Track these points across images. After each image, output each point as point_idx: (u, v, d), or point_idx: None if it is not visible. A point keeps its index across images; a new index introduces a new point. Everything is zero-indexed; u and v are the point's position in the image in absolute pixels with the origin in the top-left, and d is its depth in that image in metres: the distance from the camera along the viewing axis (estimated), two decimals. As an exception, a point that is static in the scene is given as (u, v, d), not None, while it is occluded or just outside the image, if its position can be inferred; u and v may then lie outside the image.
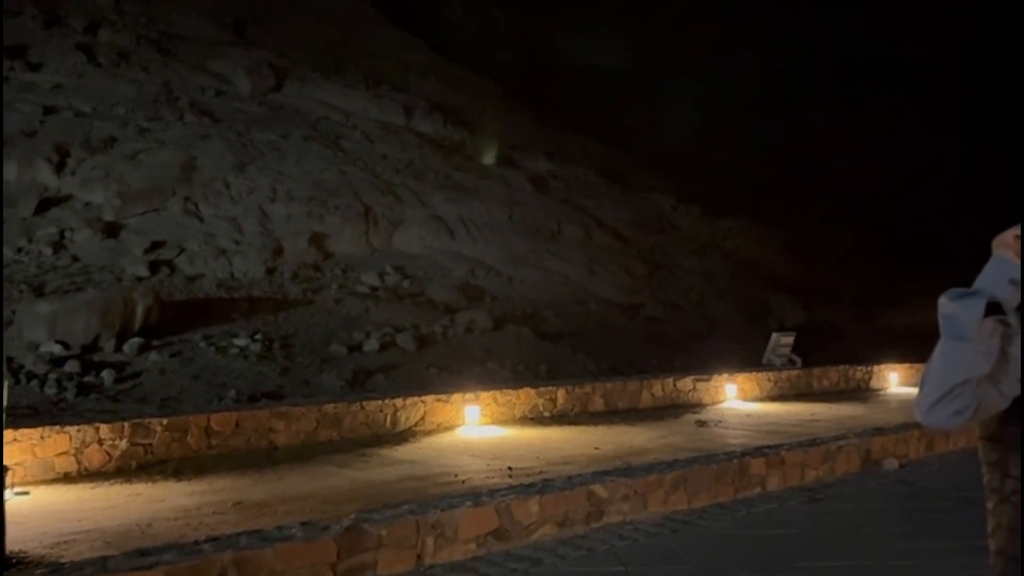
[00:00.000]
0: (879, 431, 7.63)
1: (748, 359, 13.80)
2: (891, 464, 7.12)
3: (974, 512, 5.18)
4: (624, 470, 5.78)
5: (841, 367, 13.58)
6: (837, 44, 37.66)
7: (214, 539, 4.00)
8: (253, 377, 9.98)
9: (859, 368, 13.75)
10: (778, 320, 18.19)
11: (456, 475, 6.56)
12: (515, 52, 31.73)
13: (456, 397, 8.95)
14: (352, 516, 4.36)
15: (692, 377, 11.30)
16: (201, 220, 14.81)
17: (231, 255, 14.04)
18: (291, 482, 6.39)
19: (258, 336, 11.08)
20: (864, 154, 32.35)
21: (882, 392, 13.26)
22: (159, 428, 7.14)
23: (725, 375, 11.65)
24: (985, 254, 1.51)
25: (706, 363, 12.92)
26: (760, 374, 12.23)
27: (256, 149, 17.19)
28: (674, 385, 11.01)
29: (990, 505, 1.47)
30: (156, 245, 13.62)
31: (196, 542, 3.96)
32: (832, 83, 35.89)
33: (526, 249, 17.73)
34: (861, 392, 13.05)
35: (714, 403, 11.14)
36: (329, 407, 8.25)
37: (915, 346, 16.34)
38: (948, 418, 1.37)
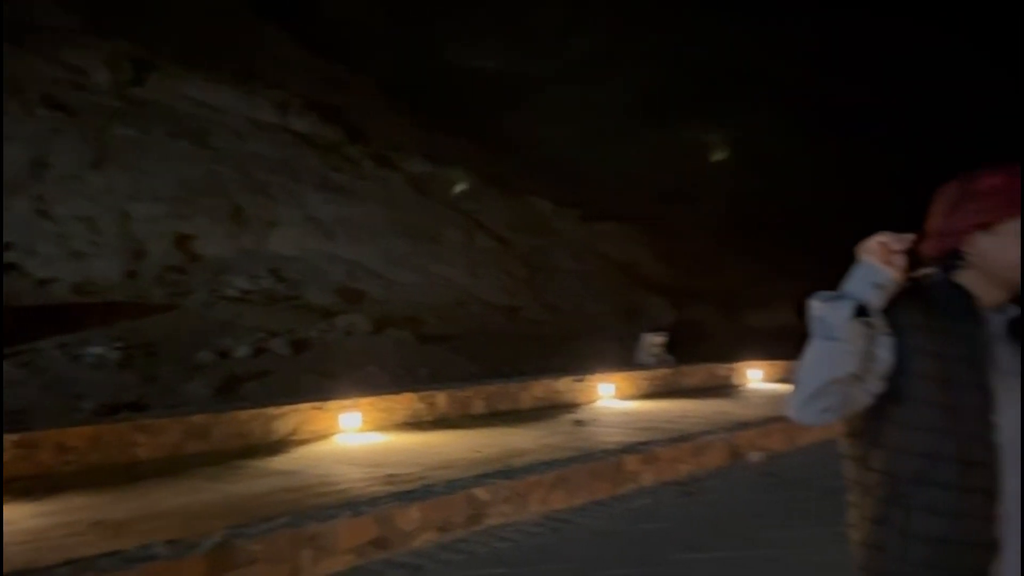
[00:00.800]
0: (744, 425, 8.03)
1: (624, 358, 14.22)
2: (756, 456, 7.50)
3: (834, 500, 5.52)
4: (505, 472, 5.81)
5: (709, 365, 14.21)
6: (708, 54, 39.44)
7: (70, 562, 3.71)
8: (112, 387, 9.36)
9: (725, 366, 14.43)
10: (651, 320, 18.86)
11: (334, 485, 6.39)
12: (396, 52, 31.40)
13: (333, 404, 8.72)
14: (223, 531, 4.15)
15: (571, 377, 11.52)
16: (53, 220, 13.78)
17: (88, 257, 13.15)
18: (156, 499, 6.03)
19: (118, 344, 10.41)
20: (731, 160, 34.12)
21: (746, 388, 13.98)
22: (6, 444, 6.57)
23: (601, 375, 11.94)
24: (844, 256, 1.60)
25: (584, 363, 13.21)
26: (634, 373, 12.62)
27: (115, 145, 16.18)
28: (553, 386, 11.18)
29: (853, 497, 1.55)
30: (3, 247, 12.56)
31: (50, 567, 3.66)
32: (703, 93, 37.58)
33: (406, 251, 17.57)
34: (727, 388, 13.70)
35: (592, 402, 11.40)
36: (197, 418, 7.85)
37: (777, 344, 17.36)
38: (818, 414, 1.43)
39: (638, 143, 33.13)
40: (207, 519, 5.34)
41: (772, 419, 8.30)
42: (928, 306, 1.49)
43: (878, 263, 1.42)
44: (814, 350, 1.41)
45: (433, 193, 21.17)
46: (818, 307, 1.41)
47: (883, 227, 1.50)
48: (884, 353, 1.44)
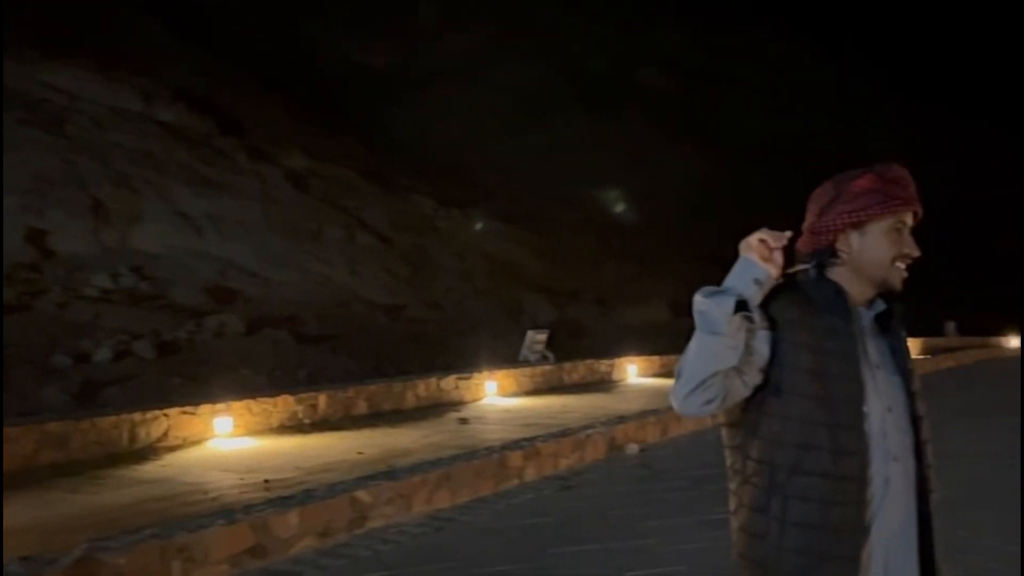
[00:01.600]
0: (622, 419, 8.28)
1: (507, 356, 14.35)
2: (632, 449, 7.75)
3: (703, 490, 5.76)
4: (388, 473, 5.74)
5: (588, 361, 14.57)
6: (586, 57, 40.32)
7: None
8: (-45, 396, 8.58)
9: (603, 362, 14.84)
10: (532, 318, 19.13)
11: (206, 493, 6.12)
12: (275, 43, 30.36)
13: (204, 408, 8.34)
14: (84, 545, 3.88)
15: (454, 376, 11.52)
16: None
17: (-75, 254, 12.01)
18: (8, 513, 5.57)
19: (-39, 348, 9.56)
20: (609, 162, 35.05)
21: (623, 383, 14.42)
22: None
23: (485, 372, 12.01)
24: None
25: (468, 361, 13.24)
26: (517, 370, 12.76)
27: (-42, 131, 14.86)
28: (437, 384, 11.15)
29: (733, 486, 1.60)
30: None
31: None
32: (582, 94, 38.41)
33: (284, 249, 17.04)
34: (606, 383, 14.09)
35: (476, 400, 11.44)
36: (52, 425, 7.32)
37: (652, 339, 18.01)
38: (700, 407, 1.46)
39: (520, 143, 33.52)
40: (67, 533, 4.99)
41: (648, 412, 8.60)
42: (803, 301, 1.55)
43: (758, 260, 1.46)
44: (697, 344, 1.44)
45: (312, 189, 20.63)
46: (701, 302, 1.43)
47: (756, 228, 1.56)
48: (762, 347, 1.48)
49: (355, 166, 23.61)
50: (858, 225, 1.56)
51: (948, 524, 5.07)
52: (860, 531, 1.45)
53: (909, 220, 1.57)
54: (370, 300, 17.15)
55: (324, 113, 27.39)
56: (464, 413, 10.10)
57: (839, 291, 1.55)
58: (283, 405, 9.09)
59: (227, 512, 4.66)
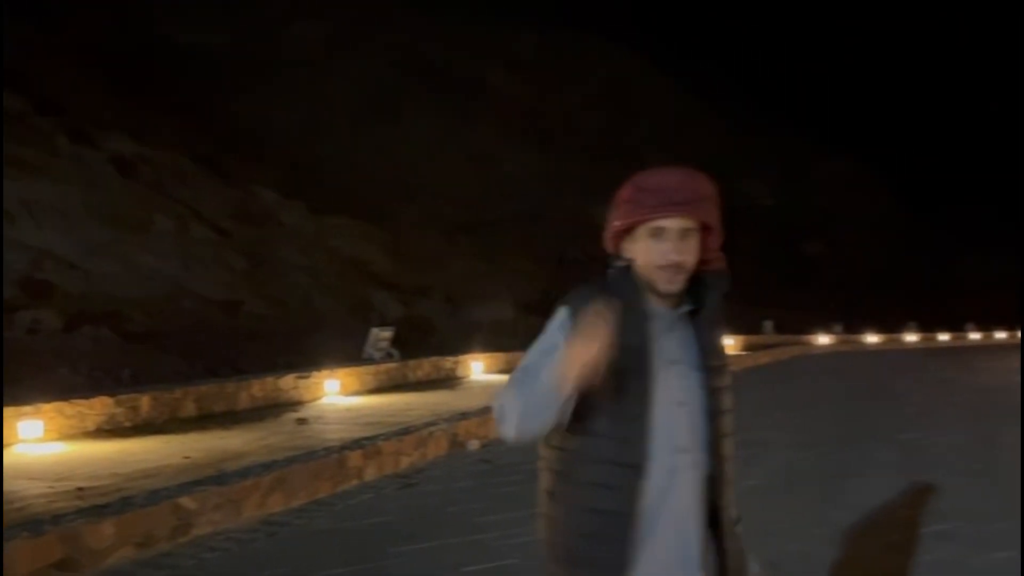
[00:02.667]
0: (464, 415, 8.34)
1: (352, 354, 14.07)
2: (474, 445, 7.83)
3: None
4: (216, 477, 5.47)
5: (433, 358, 14.55)
6: (434, 55, 40.24)
7: None
8: None
9: (449, 359, 14.88)
10: (379, 315, 18.88)
11: (10, 503, 5.57)
12: (100, 17, 28.08)
13: (9, 411, 7.59)
14: None
15: (293, 375, 11.15)
16: None
17: None
18: None
19: None
20: (457, 161, 35.18)
21: (468, 380, 14.53)
22: None
23: (326, 371, 11.71)
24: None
25: (312, 360, 12.86)
26: (360, 368, 12.54)
27: None
28: (275, 384, 10.75)
29: (540, 474, 1.67)
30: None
31: None
32: (432, 91, 38.29)
33: (108, 239, 15.83)
34: (450, 380, 14.13)
35: (316, 400, 11.14)
36: None
37: (498, 337, 18.27)
38: (535, 431, 1.55)
39: (369, 137, 32.95)
40: None
41: (489, 408, 8.70)
42: (609, 298, 1.60)
43: (564, 379, 1.46)
44: (532, 400, 1.50)
45: (141, 176, 19.30)
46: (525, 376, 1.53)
47: (598, 231, 1.63)
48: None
49: (191, 153, 22.30)
50: (626, 232, 1.64)
51: (762, 508, 5.46)
52: (634, 516, 1.53)
53: (672, 224, 1.58)
54: (204, 296, 16.27)
55: (157, 96, 25.66)
56: (303, 413, 9.81)
57: (638, 289, 1.62)
58: (100, 407, 8.42)
59: (33, 523, 4.28)
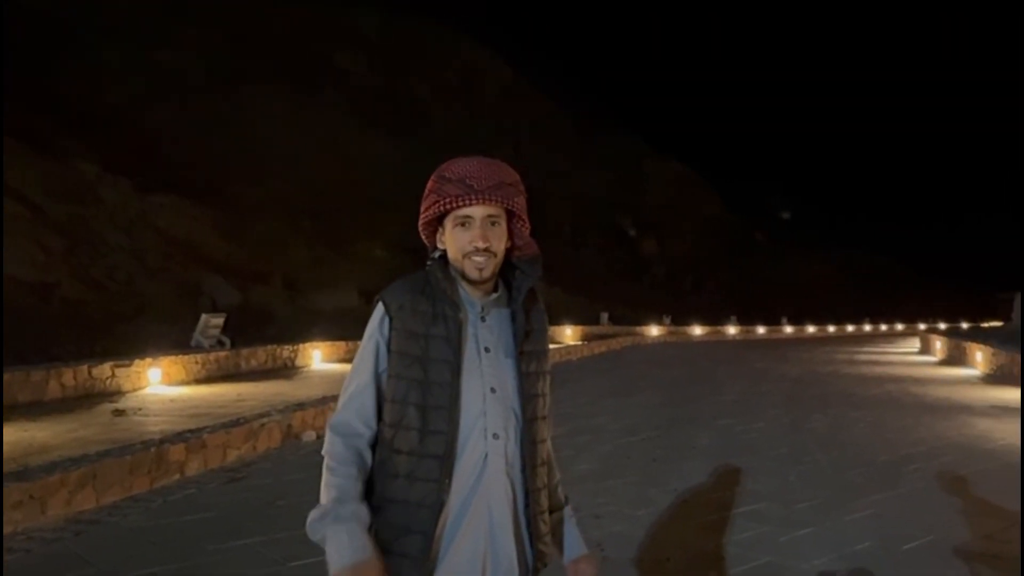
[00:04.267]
0: (300, 406, 8.08)
1: (179, 341, 13.27)
2: (309, 436, 7.60)
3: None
4: (18, 473, 4.98)
5: (269, 347, 14.01)
6: (272, 31, 38.62)
7: None
8: None
9: (286, 347, 14.38)
10: (211, 301, 17.92)
11: None
12: None
13: None
14: None
15: (111, 363, 10.37)
16: None
17: None
18: None
19: None
20: (303, 143, 33.95)
21: (307, 369, 14.11)
22: None
23: (148, 359, 10.98)
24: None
25: (134, 347, 12.00)
26: (187, 357, 11.86)
27: None
28: (89, 372, 9.94)
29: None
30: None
31: None
32: (275, 68, 36.73)
33: None
34: (288, 370, 13.67)
35: (137, 390, 10.42)
36: None
37: (341, 324, 17.84)
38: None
39: (204, 113, 31.14)
40: None
41: (328, 398, 8.49)
42: (423, 289, 1.63)
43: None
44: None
45: (-65, 141, 17.20)
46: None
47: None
48: (385, 355, 1.62)
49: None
50: (436, 222, 1.66)
51: (593, 492, 5.67)
52: (437, 507, 1.52)
53: (476, 212, 1.59)
54: (13, 276, 14.75)
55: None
56: (121, 404, 9.14)
57: (451, 279, 1.63)
58: None
59: None
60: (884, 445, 7.84)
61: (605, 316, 31.30)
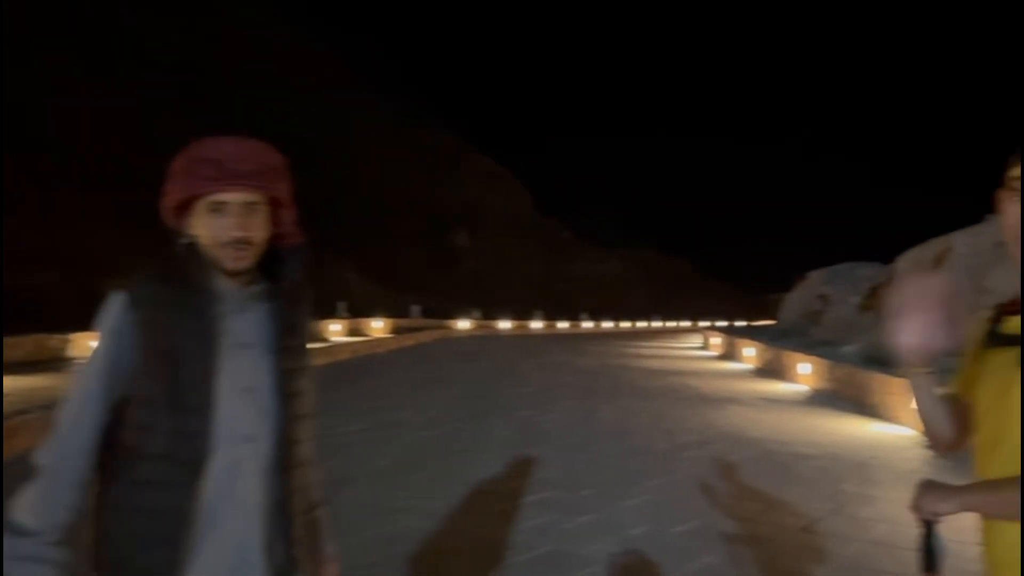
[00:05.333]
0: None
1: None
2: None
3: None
4: None
5: (38, 336, 12.68)
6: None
7: None
8: None
9: (59, 336, 13.09)
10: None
11: None
12: None
13: None
14: None
15: None
16: None
17: None
18: None
19: None
20: (95, 112, 30.83)
21: (81, 361, 12.90)
22: None
23: None
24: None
25: None
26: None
27: None
28: None
29: (93, 509, 1.49)
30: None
31: None
32: (61, 29, 33.15)
33: None
34: (60, 362, 12.43)
35: None
36: None
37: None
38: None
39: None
40: None
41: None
42: (173, 278, 1.48)
43: None
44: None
45: None
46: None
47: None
48: (127, 353, 1.44)
49: None
50: (185, 207, 1.50)
51: (391, 487, 5.60)
52: (190, 514, 1.42)
53: (233, 198, 1.46)
54: None
55: None
56: None
57: (203, 268, 1.50)
58: None
59: None
60: (663, 434, 8.46)
61: (416, 309, 31.29)
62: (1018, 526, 1.37)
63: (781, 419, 9.71)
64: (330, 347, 16.91)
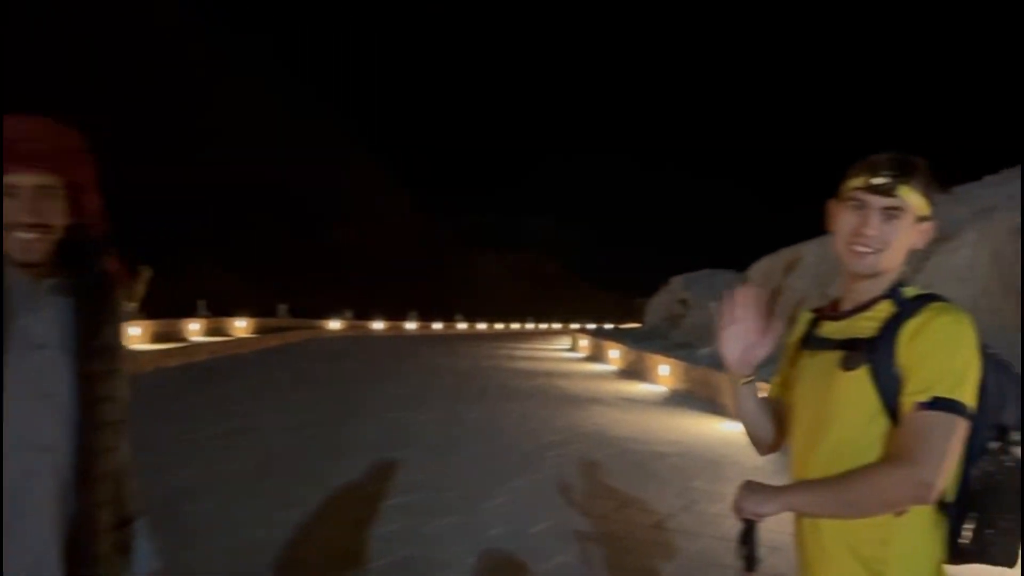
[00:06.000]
0: None
1: None
2: None
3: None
4: None
5: None
6: None
7: None
8: None
9: None
10: None
11: None
12: None
13: None
14: None
15: None
16: None
17: None
18: None
19: None
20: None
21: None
22: None
23: None
24: None
25: None
26: None
27: None
28: None
29: None
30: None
31: None
32: None
33: None
34: None
35: None
36: None
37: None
38: None
39: None
40: None
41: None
42: None
43: None
44: None
45: None
46: None
47: None
48: None
49: None
50: None
51: (240, 495, 5.32)
52: None
53: (23, 181, 1.35)
54: None
55: None
56: None
57: None
58: None
59: None
60: (528, 435, 8.57)
61: (284, 308, 30.27)
62: (834, 524, 1.46)
63: (640, 419, 10.06)
64: (186, 347, 16.09)
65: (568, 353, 25.08)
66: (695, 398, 12.00)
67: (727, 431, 9.20)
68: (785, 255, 16.77)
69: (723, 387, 10.93)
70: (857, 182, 1.48)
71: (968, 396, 1.36)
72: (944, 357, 1.37)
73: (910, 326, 1.41)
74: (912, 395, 1.37)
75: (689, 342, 17.92)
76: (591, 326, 52.65)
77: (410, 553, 4.41)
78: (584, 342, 24.94)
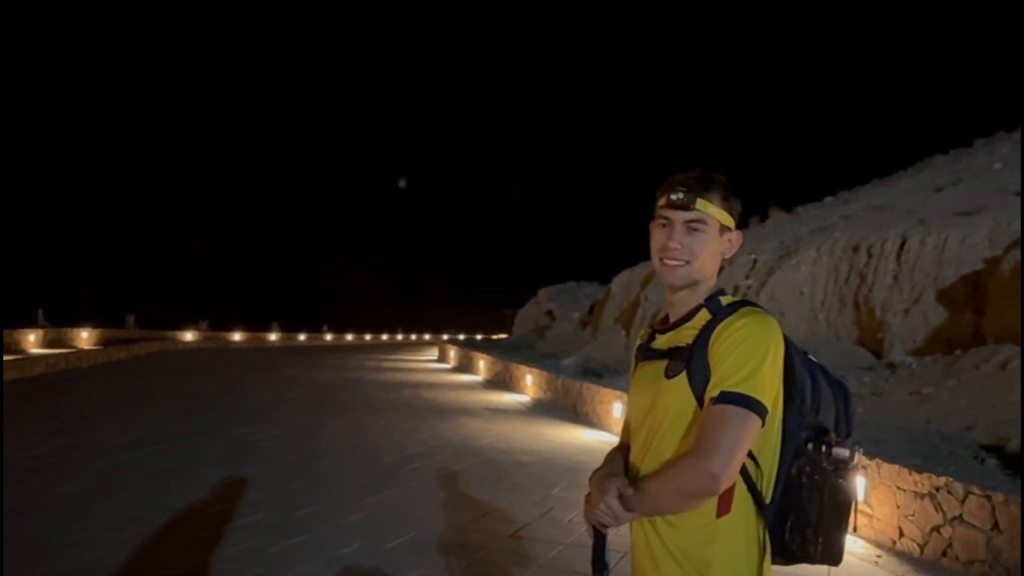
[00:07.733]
0: None
1: None
2: None
3: None
4: None
5: None
6: None
7: None
8: None
9: None
10: None
11: None
12: None
13: None
14: None
15: None
16: None
17: None
18: None
19: None
20: None
21: None
22: None
23: None
24: None
25: None
26: None
27: None
28: None
29: None
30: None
31: None
32: None
33: None
34: None
35: None
36: None
37: None
38: None
39: None
40: None
41: None
42: None
43: None
44: None
45: None
46: None
47: None
48: None
49: None
50: None
51: (73, 516, 4.92)
52: None
53: None
54: None
55: None
56: None
57: None
58: None
59: None
60: (391, 447, 8.39)
61: (131, 319, 28.42)
62: (663, 526, 1.47)
63: (504, 428, 10.10)
64: (22, 360, 14.76)
65: (437, 364, 24.93)
66: (558, 407, 12.18)
67: (587, 439, 9.38)
68: (643, 268, 17.41)
69: (584, 396, 11.16)
70: (661, 201, 1.57)
71: (761, 392, 1.40)
72: (740, 355, 1.41)
73: (717, 329, 1.47)
74: (709, 392, 1.42)
75: (554, 352, 18.24)
76: (461, 337, 52.68)
77: (258, 573, 4.17)
78: (453, 353, 24.88)
